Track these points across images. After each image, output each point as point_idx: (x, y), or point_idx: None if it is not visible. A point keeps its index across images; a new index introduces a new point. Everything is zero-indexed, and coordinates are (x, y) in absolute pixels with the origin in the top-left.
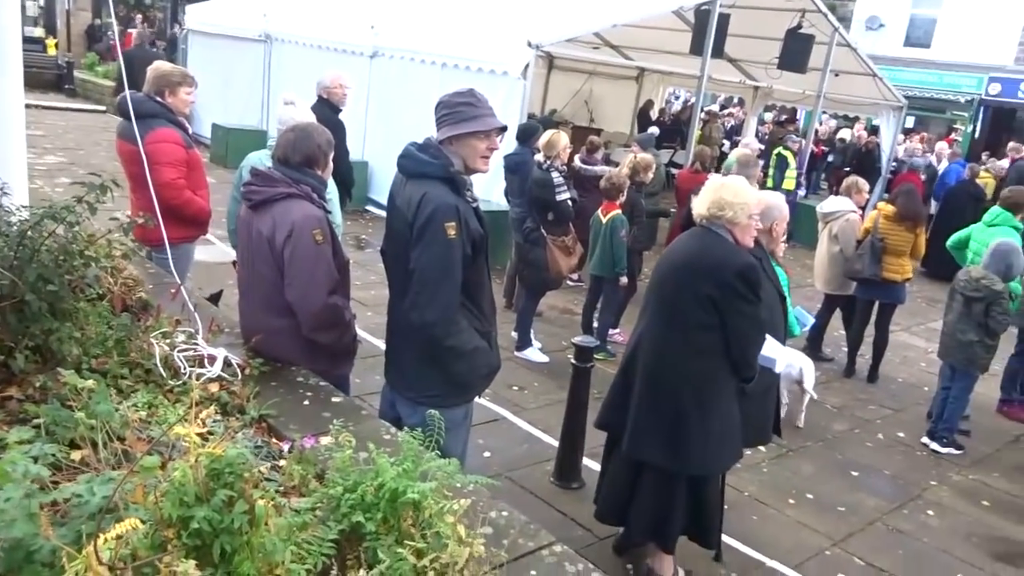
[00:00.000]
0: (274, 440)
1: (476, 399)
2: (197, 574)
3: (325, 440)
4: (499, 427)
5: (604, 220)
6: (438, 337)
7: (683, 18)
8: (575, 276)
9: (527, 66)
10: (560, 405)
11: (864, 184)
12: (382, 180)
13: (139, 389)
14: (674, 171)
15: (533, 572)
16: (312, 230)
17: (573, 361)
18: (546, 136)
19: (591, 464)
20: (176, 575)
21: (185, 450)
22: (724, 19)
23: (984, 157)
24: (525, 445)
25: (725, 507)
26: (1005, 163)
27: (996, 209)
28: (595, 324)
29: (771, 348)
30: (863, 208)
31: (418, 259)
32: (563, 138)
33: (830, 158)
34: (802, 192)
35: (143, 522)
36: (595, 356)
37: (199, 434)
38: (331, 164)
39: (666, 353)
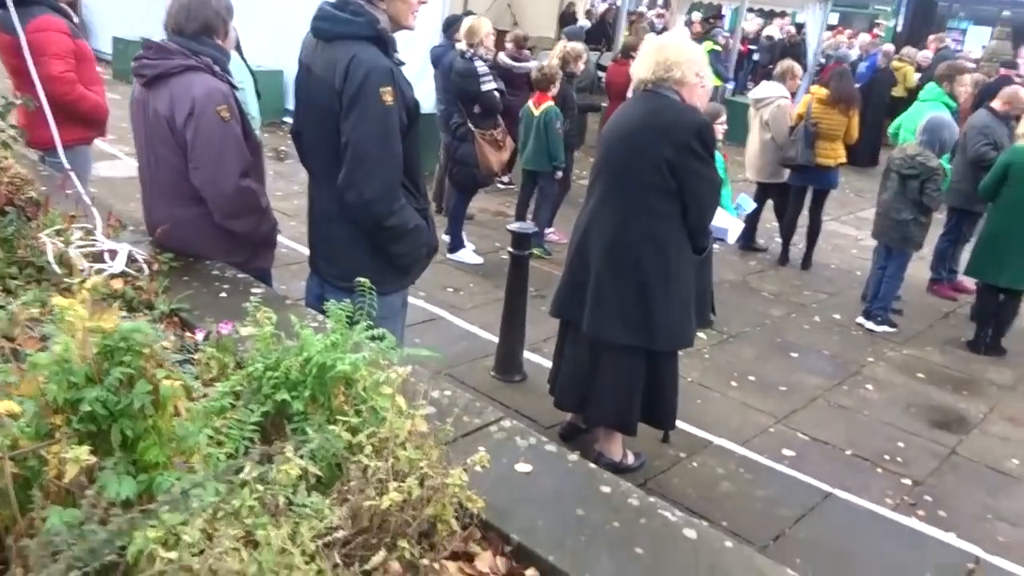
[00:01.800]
0: (188, 334)
1: (410, 299)
2: (91, 459)
3: (245, 331)
4: (436, 326)
5: (536, 112)
6: (379, 215)
7: None
8: (506, 179)
9: None
10: (497, 304)
11: (799, 70)
12: None
13: (31, 289)
14: (601, 74)
15: (481, 448)
16: (217, 106)
17: (510, 249)
18: (467, 23)
19: (532, 357)
20: (66, 462)
21: (69, 327)
22: None
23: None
24: (463, 343)
25: None
26: (926, 53)
27: (930, 85)
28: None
29: (722, 219)
30: (793, 95)
31: (352, 131)
32: (485, 24)
33: (755, 57)
34: (731, 87)
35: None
36: (532, 251)
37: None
38: (233, 33)
39: (625, 222)
